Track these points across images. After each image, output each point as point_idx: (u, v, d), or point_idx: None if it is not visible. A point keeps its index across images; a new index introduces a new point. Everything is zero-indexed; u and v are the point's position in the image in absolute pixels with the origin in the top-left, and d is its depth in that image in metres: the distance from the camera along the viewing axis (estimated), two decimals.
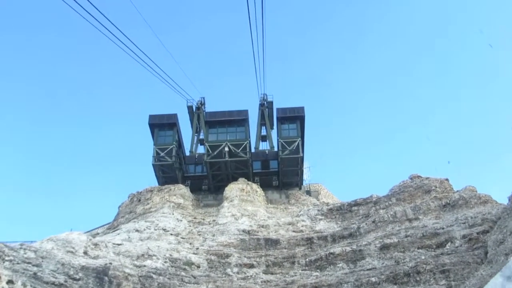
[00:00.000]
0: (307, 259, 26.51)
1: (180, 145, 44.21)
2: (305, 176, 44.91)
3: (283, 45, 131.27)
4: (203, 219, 35.42)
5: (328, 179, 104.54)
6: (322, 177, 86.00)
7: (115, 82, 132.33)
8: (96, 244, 25.30)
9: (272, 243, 28.21)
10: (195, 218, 35.99)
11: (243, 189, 39.00)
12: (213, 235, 29.91)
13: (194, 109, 49.30)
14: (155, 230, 31.15)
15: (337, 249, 26.32)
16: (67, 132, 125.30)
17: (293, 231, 30.22)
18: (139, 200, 41.65)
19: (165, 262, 25.33)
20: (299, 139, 41.64)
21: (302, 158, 41.62)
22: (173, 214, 35.83)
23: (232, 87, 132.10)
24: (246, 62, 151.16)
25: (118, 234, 28.14)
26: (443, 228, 24.50)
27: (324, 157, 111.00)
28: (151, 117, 43.02)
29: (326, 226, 30.54)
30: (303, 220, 31.99)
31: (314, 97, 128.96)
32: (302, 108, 43.07)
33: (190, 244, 28.37)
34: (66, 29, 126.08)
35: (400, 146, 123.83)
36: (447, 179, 29.95)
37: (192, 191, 42.62)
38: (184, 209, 37.78)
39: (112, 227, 39.27)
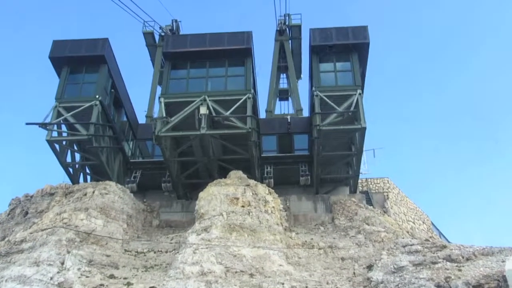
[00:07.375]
0: None
1: (119, 101, 22.47)
2: (362, 167, 22.67)
3: None
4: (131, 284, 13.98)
5: (395, 172, 64.80)
6: (385, 169, 54.07)
7: None
8: None
9: None
10: (112, 275, 14.59)
11: (237, 198, 17.56)
12: None
13: (157, 40, 27.41)
14: None
15: None
16: None
17: None
18: (26, 214, 20.46)
19: None
20: (359, 91, 19.59)
21: (365, 130, 19.47)
22: (63, 264, 14.57)
23: (229, 6, 72.22)
24: None
25: None
26: None
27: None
28: (56, 45, 21.11)
29: None
30: None
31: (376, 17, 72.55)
32: (364, 29, 20.75)
33: None
34: None
35: None
36: None
37: (143, 191, 21.55)
38: (99, 246, 16.41)
39: None
